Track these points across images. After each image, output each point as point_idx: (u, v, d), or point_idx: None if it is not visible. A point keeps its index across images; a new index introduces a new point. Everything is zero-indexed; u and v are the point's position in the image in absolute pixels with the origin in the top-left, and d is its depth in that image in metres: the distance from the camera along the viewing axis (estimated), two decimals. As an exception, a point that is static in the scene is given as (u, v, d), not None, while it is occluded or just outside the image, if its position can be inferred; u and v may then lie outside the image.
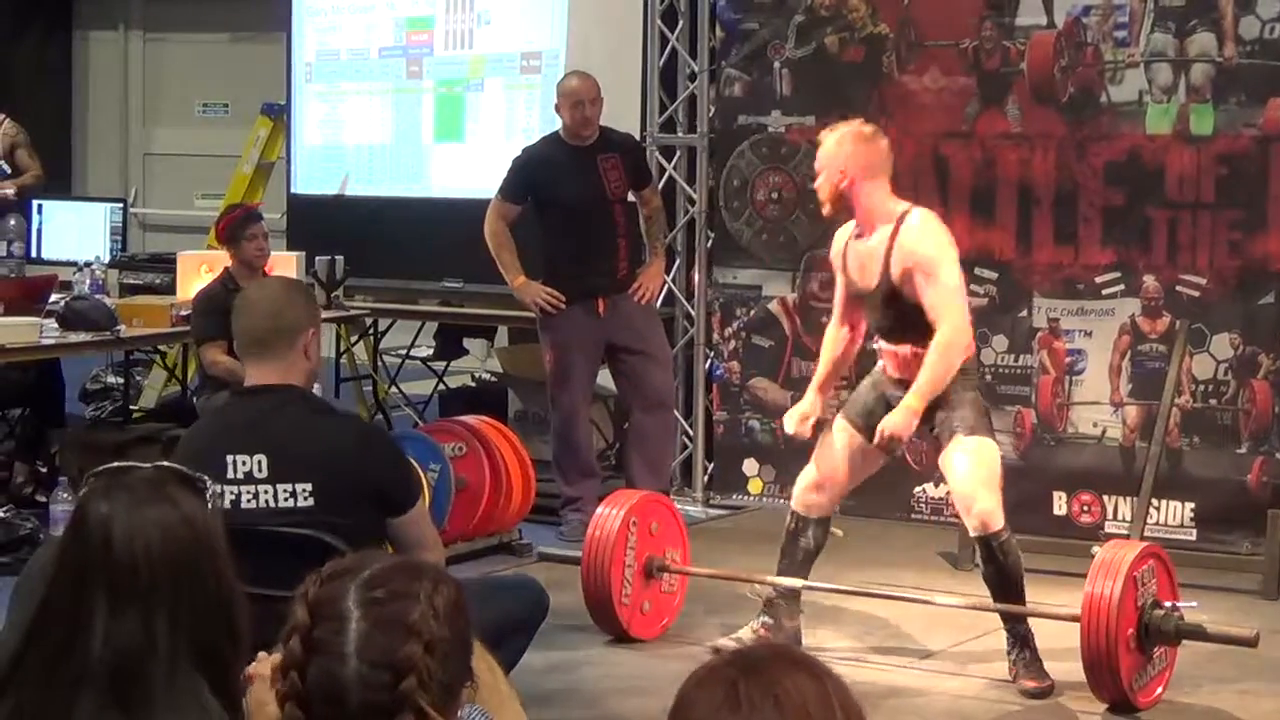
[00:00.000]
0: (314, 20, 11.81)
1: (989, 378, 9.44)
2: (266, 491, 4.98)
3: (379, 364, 11.78)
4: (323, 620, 2.56)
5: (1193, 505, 9.04)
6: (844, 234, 7.32)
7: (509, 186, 9.45)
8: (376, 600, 2.56)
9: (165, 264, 10.79)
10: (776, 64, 10.12)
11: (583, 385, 9.45)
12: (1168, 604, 6.72)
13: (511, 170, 9.48)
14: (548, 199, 9.32)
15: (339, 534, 4.78)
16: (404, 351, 12.02)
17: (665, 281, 9.91)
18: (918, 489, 9.69)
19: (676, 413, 9.99)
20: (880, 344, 7.26)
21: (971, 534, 7.07)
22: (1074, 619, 6.62)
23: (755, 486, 10.23)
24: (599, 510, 7.66)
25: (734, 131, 10.28)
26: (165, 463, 3.03)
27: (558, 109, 9.36)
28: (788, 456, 9.97)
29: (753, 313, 10.24)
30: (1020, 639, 7.00)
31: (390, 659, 2.52)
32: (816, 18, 9.99)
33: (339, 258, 10.57)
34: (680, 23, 10.38)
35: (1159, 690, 6.75)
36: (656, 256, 9.61)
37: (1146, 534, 8.33)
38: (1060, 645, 6.91)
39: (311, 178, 11.82)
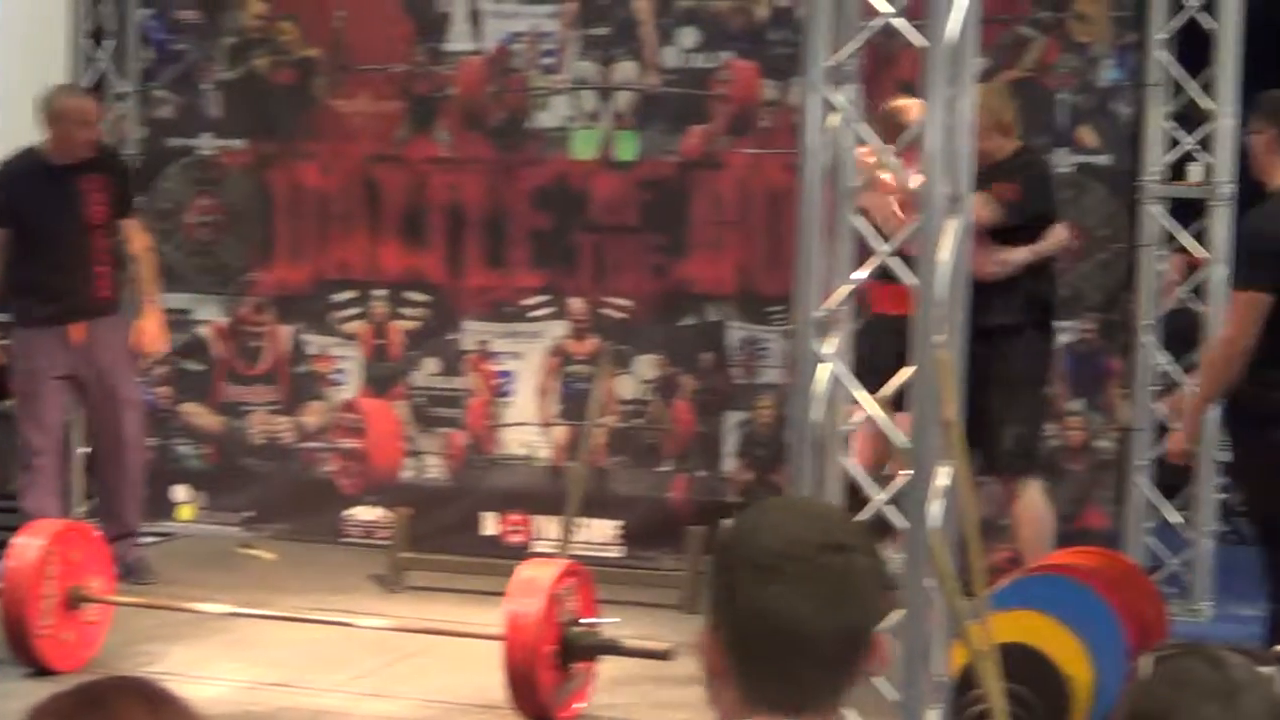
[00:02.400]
0: None
1: (420, 400, 9.51)
2: None
3: None
4: None
5: (619, 523, 9.25)
6: None
7: None
8: None
9: None
10: (207, 86, 9.98)
11: (52, 416, 8.87)
12: (587, 620, 6.85)
13: None
14: (19, 217, 8.76)
15: None
16: None
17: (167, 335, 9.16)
18: (347, 512, 9.66)
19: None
20: None
21: None
22: (498, 638, 6.68)
23: (186, 513, 10.04)
24: (16, 540, 7.42)
25: (163, 153, 10.08)
26: None
27: (47, 124, 8.69)
28: (220, 481, 9.85)
29: (183, 337, 10.03)
30: None
31: None
32: (247, 40, 9.89)
33: None
34: (108, 42, 10.11)
35: (578, 705, 6.87)
36: (151, 307, 8.87)
37: (575, 552, 8.45)
38: (487, 664, 6.97)
39: None
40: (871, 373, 6.46)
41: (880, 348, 6.88)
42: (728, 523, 2.39)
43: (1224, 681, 2.41)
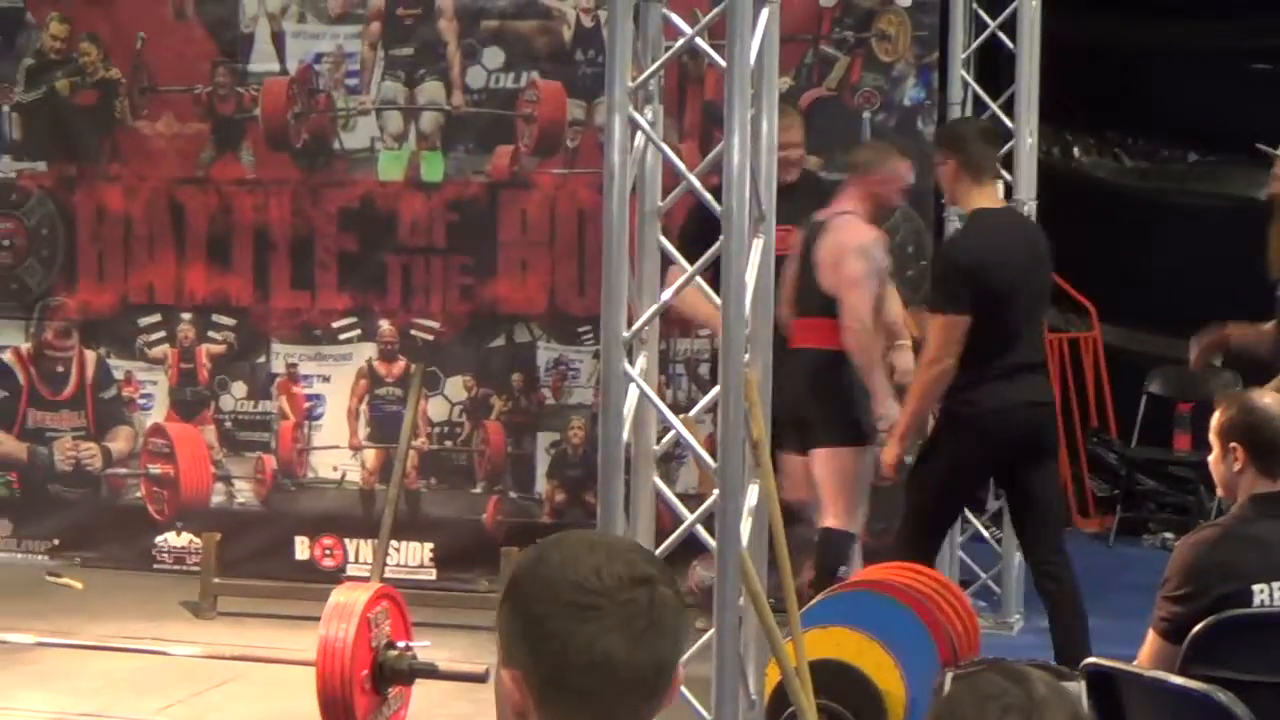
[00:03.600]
0: None
1: (229, 424, 9.41)
2: None
3: None
4: None
5: (432, 545, 9.21)
6: None
7: None
8: None
9: None
10: (5, 108, 9.80)
11: None
12: (401, 644, 6.80)
13: None
14: None
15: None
16: None
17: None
18: (159, 538, 9.53)
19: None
20: None
21: None
22: (311, 663, 6.62)
23: (-11, 542, 9.85)
24: None
25: (-40, 176, 9.90)
26: None
27: None
28: (26, 509, 9.69)
29: (-15, 363, 9.87)
30: None
31: None
32: (46, 61, 9.73)
33: None
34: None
35: (395, 729, 6.83)
36: None
37: (388, 575, 8.40)
38: (301, 689, 6.90)
39: None
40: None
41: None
42: (519, 560, 2.38)
43: (1025, 697, 2.43)
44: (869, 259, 7.64)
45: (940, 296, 7.28)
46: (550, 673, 2.27)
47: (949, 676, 5.17)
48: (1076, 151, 12.20)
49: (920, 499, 7.51)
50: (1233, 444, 5.19)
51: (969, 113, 8.97)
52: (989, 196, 7.56)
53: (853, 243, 7.64)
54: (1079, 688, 4.78)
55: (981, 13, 8.95)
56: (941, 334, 7.14)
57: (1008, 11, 8.79)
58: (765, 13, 5.20)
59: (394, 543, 8.76)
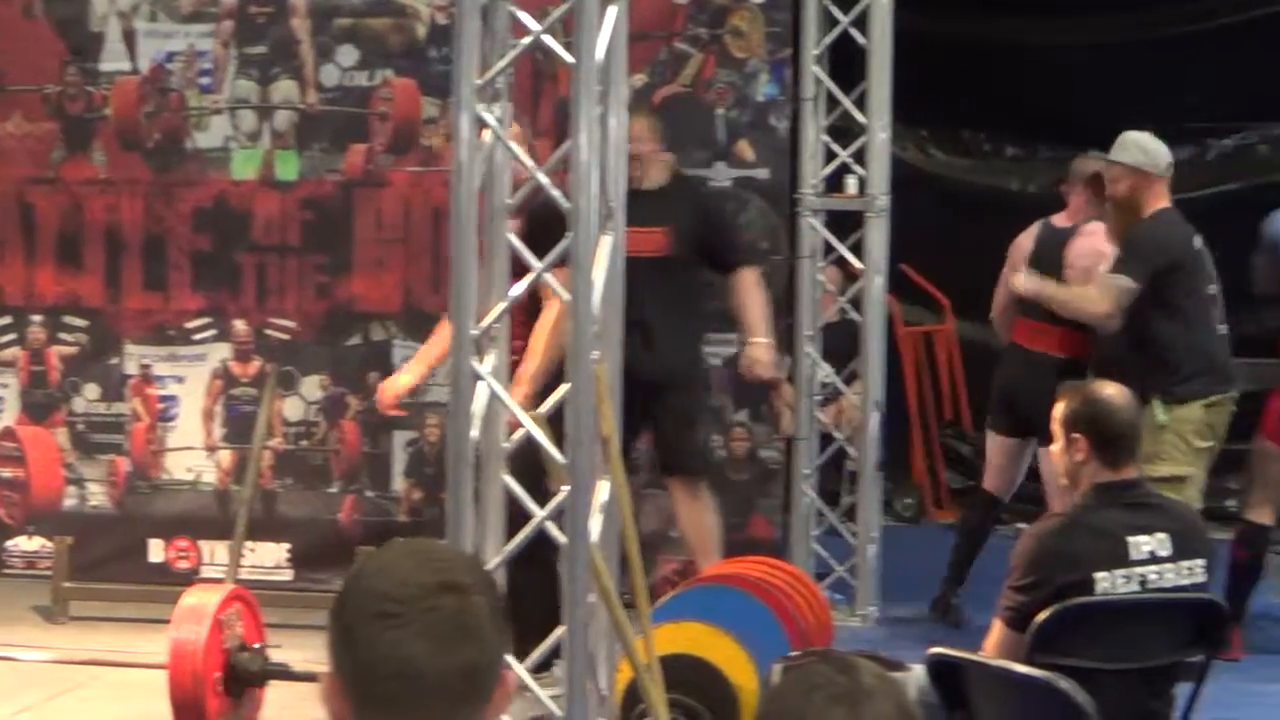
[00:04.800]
0: None
1: (81, 427, 9.32)
2: None
3: None
4: None
5: (288, 545, 9.16)
6: None
7: None
8: None
9: None
10: None
11: None
12: (254, 645, 6.76)
13: None
14: None
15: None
16: None
17: None
18: (10, 542, 9.42)
19: None
20: None
21: None
22: (162, 666, 6.57)
23: None
24: None
25: None
26: None
27: None
28: None
29: None
30: None
31: None
32: (-108, 59, 9.59)
33: None
34: None
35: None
36: None
37: (244, 577, 8.34)
38: (153, 693, 6.85)
39: None
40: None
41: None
42: (352, 569, 2.42)
43: (852, 686, 2.46)
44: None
45: None
46: (360, 680, 2.30)
47: (779, 666, 5.21)
48: (929, 147, 12.33)
49: None
50: (1075, 435, 5.26)
51: (822, 109, 9.04)
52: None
53: (1108, 250, 8.02)
54: (909, 677, 4.83)
55: (834, 9, 9.01)
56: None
57: (859, 8, 8.86)
58: (612, 10, 5.21)
59: (250, 544, 8.69)
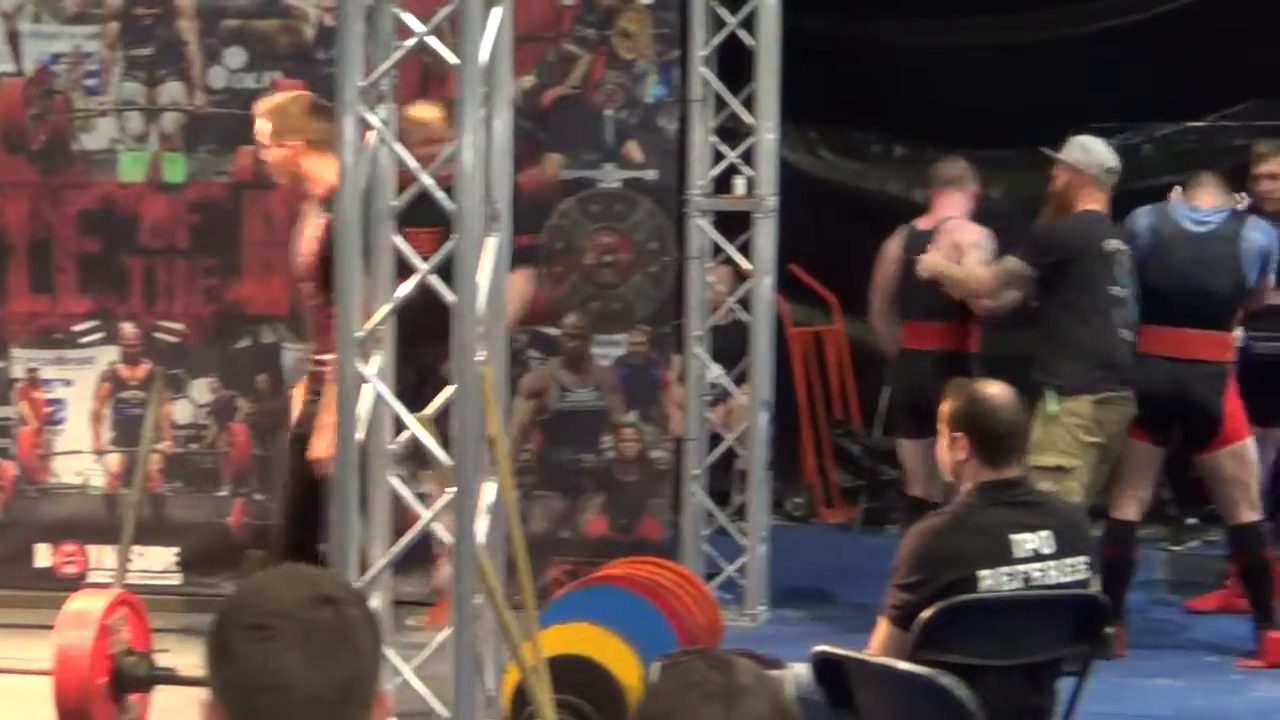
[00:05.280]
0: None
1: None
2: None
3: None
4: None
5: (177, 549, 9.10)
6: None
7: None
8: None
9: None
10: None
11: None
12: (141, 650, 6.72)
13: None
14: None
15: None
16: None
17: None
18: None
19: None
20: None
21: None
22: (47, 673, 6.52)
23: None
24: None
25: None
26: None
27: None
28: None
29: None
30: None
31: None
32: None
33: None
34: None
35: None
36: None
37: (132, 581, 8.29)
38: (39, 700, 6.79)
39: None
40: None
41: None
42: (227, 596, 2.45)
43: (728, 684, 2.48)
44: (984, 250, 8.60)
45: None
46: (235, 695, 2.33)
47: (657, 666, 5.24)
48: (819, 148, 12.40)
49: None
50: (957, 434, 5.31)
51: (710, 110, 9.07)
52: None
53: (968, 239, 8.57)
54: (787, 675, 4.87)
55: (721, 10, 9.04)
56: None
57: (747, 9, 8.90)
58: (497, 12, 5.22)
59: (138, 548, 8.62)
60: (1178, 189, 8.60)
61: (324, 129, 6.59)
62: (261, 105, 7.21)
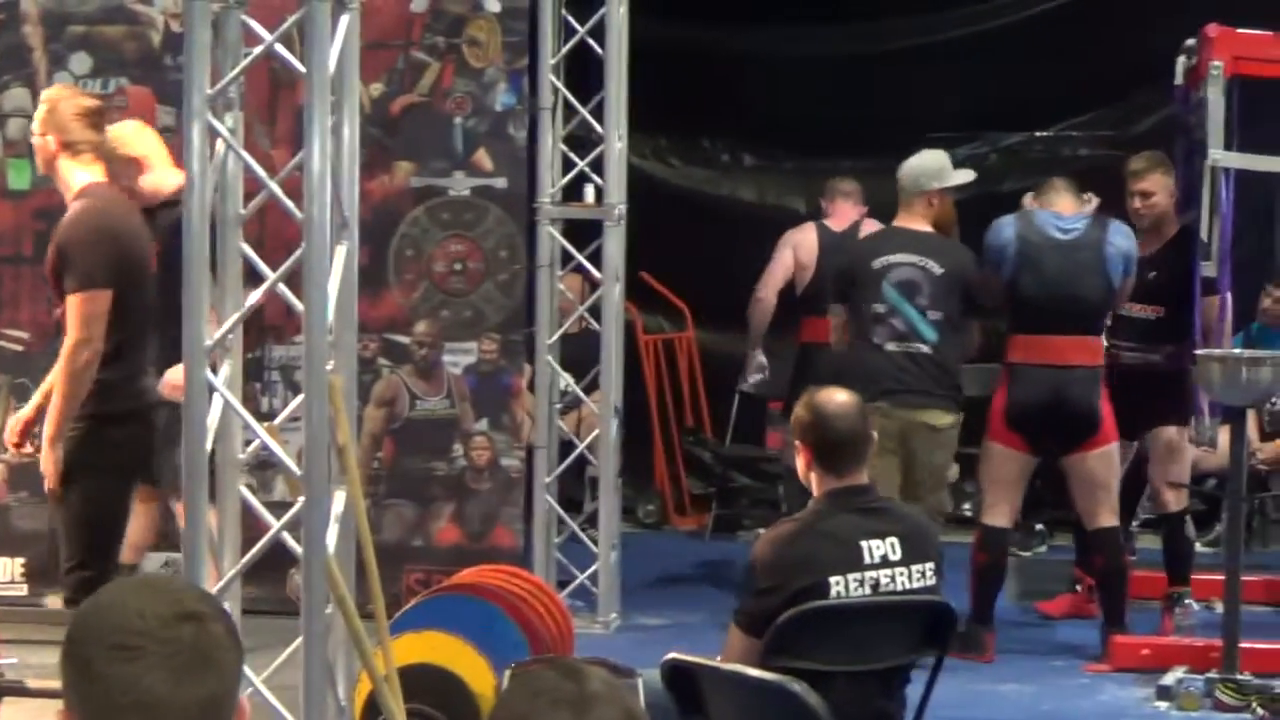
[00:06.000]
0: None
1: None
2: None
3: None
4: None
5: (22, 560, 8.98)
6: None
7: None
8: None
9: None
10: None
11: None
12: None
13: None
14: None
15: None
16: None
17: None
18: None
19: None
20: None
21: None
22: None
23: None
24: None
25: None
26: None
27: None
28: None
29: None
30: None
31: None
32: None
33: None
34: None
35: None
36: None
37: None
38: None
39: None
40: None
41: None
42: (80, 606, 2.39)
43: (578, 691, 2.49)
44: None
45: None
46: (97, 715, 2.27)
47: (508, 673, 5.23)
48: (669, 156, 12.44)
49: None
50: (799, 442, 5.35)
51: (559, 117, 9.09)
52: None
53: None
54: (638, 683, 4.88)
55: (571, 19, 9.06)
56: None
57: (596, 17, 8.92)
58: (344, 19, 5.20)
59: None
60: (1029, 195, 8.71)
61: (88, 138, 6.58)
62: (44, 93, 7.13)
